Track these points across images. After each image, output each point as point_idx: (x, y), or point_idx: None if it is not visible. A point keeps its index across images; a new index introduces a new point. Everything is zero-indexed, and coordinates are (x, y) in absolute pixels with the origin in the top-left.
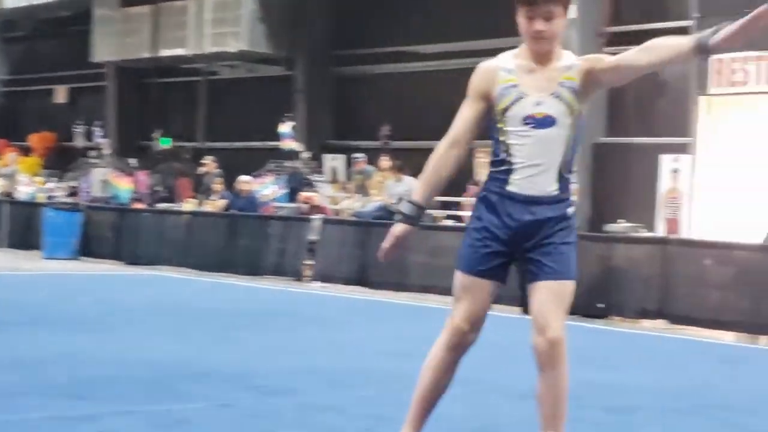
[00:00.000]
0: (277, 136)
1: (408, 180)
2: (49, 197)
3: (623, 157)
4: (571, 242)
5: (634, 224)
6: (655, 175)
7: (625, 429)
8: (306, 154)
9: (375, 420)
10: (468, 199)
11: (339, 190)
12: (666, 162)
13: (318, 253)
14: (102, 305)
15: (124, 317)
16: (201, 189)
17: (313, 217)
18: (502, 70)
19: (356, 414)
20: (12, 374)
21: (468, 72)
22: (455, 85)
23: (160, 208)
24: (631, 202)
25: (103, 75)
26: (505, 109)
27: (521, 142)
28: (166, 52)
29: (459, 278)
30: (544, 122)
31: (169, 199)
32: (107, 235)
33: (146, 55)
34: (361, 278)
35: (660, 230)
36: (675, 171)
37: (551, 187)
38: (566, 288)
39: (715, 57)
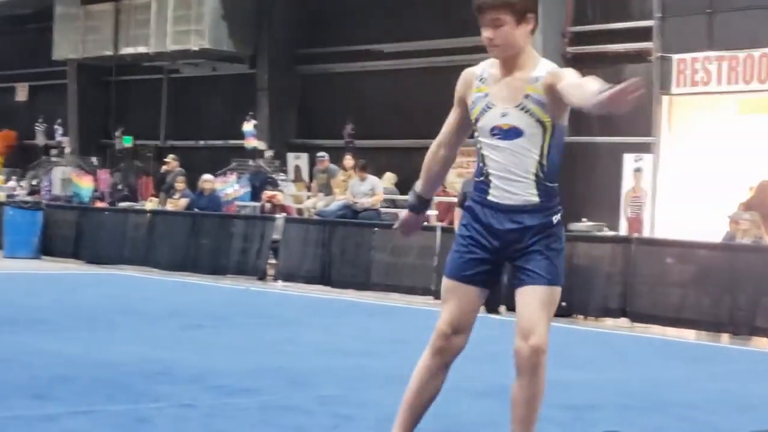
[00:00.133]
0: (240, 135)
1: (371, 179)
2: (10, 196)
3: (587, 156)
4: (556, 249)
5: (596, 223)
6: (619, 174)
7: (587, 427)
8: (269, 153)
9: (339, 419)
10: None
11: (302, 189)
12: (629, 161)
13: (281, 252)
14: (62, 305)
15: (84, 317)
16: (163, 188)
17: (276, 216)
18: (477, 79)
19: (320, 413)
20: None
21: (430, 71)
22: (418, 84)
23: (122, 207)
24: (594, 201)
25: (64, 73)
26: (476, 120)
27: (492, 153)
28: (127, 50)
29: (444, 282)
30: (510, 134)
31: (131, 198)
32: (68, 234)
33: (108, 52)
34: (324, 277)
35: (622, 229)
36: (637, 170)
37: (531, 197)
38: (551, 294)
39: (677, 56)
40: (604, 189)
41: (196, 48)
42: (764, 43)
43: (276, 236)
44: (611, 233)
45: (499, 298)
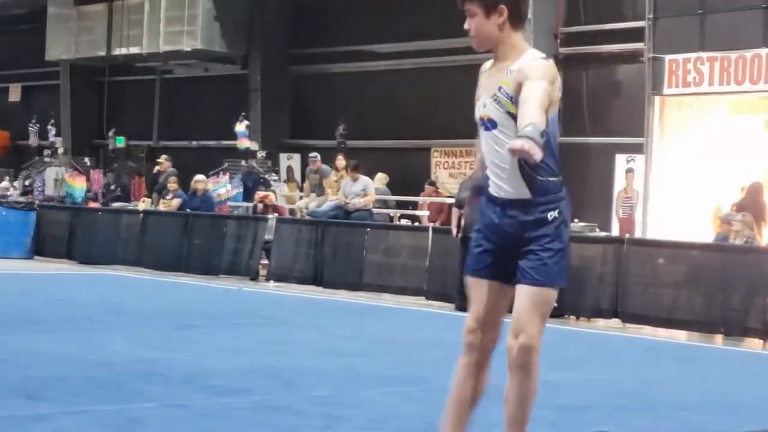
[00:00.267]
0: (232, 135)
1: (363, 179)
2: (3, 196)
3: (579, 157)
4: (552, 249)
5: (588, 224)
6: (611, 175)
7: (578, 427)
8: (261, 154)
9: (331, 420)
10: (424, 199)
11: (294, 190)
12: (620, 162)
13: (273, 252)
14: (55, 305)
15: (77, 317)
16: (156, 188)
17: (268, 216)
18: (481, 71)
19: (312, 414)
20: None
21: (422, 72)
22: (410, 84)
23: (115, 207)
24: (586, 201)
25: (57, 73)
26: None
27: (483, 145)
28: (120, 51)
29: (465, 279)
30: (488, 125)
31: (124, 199)
32: (61, 234)
33: (101, 53)
34: (316, 278)
35: (614, 230)
36: (629, 171)
37: (522, 191)
38: (544, 295)
39: (669, 57)
40: (596, 189)
41: (188, 49)
42: (756, 44)
43: (268, 236)
44: (603, 234)
45: None
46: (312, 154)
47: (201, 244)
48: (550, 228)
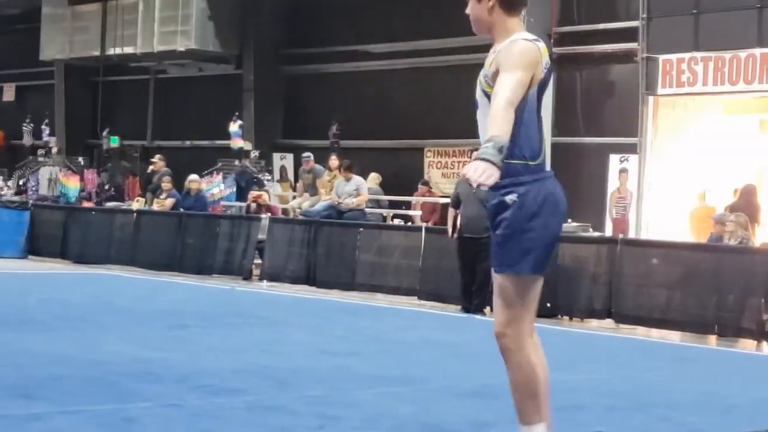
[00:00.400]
0: (226, 135)
1: (356, 179)
2: None
3: (572, 157)
4: (505, 234)
5: (582, 224)
6: (604, 175)
7: (572, 427)
8: (255, 153)
9: (324, 419)
10: (417, 199)
11: (288, 190)
12: (614, 162)
13: (266, 252)
14: (49, 304)
15: (71, 316)
16: (149, 188)
17: (261, 216)
18: None
19: (305, 413)
20: None
21: (415, 72)
22: (403, 84)
23: (109, 206)
24: (579, 202)
25: (51, 73)
26: None
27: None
28: (114, 51)
29: None
30: (475, 105)
31: (118, 198)
32: (55, 233)
33: (95, 53)
34: (309, 277)
35: (608, 230)
36: (623, 171)
37: None
38: (499, 281)
39: (663, 57)
40: (590, 189)
41: (182, 48)
42: (750, 44)
43: (261, 236)
44: (596, 234)
45: (485, 300)
46: (305, 154)
47: (194, 244)
48: (508, 212)
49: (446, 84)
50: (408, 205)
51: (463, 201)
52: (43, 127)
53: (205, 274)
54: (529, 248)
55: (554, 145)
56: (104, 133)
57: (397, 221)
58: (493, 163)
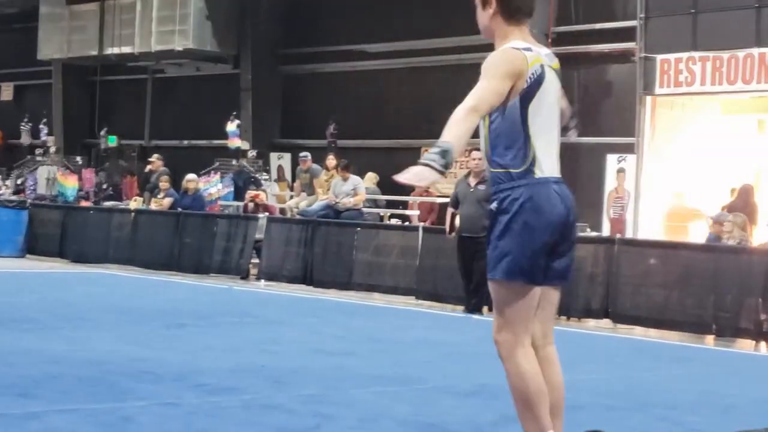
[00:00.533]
0: (223, 135)
1: (354, 179)
2: None
3: (570, 156)
4: (492, 240)
5: (579, 224)
6: (602, 174)
7: (569, 427)
8: (252, 153)
9: (321, 418)
10: (415, 199)
11: (285, 189)
12: (611, 162)
13: (263, 251)
14: (47, 303)
15: (69, 315)
16: (147, 187)
17: (258, 215)
18: None
19: (302, 412)
20: None
21: (412, 71)
22: (400, 84)
23: (106, 206)
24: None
25: (49, 72)
26: None
27: None
28: (112, 50)
29: None
30: None
31: (116, 197)
32: (53, 233)
33: (93, 52)
34: (306, 277)
35: (605, 230)
36: (620, 171)
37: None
38: (492, 287)
39: (660, 57)
40: (587, 189)
41: (180, 48)
42: (748, 43)
43: (259, 236)
44: (594, 234)
45: (483, 300)
46: (302, 154)
47: (192, 243)
48: (494, 219)
49: (443, 84)
50: (405, 205)
51: (461, 201)
52: (41, 126)
53: (203, 274)
54: (505, 254)
55: None
56: (102, 133)
57: (394, 221)
58: (432, 167)
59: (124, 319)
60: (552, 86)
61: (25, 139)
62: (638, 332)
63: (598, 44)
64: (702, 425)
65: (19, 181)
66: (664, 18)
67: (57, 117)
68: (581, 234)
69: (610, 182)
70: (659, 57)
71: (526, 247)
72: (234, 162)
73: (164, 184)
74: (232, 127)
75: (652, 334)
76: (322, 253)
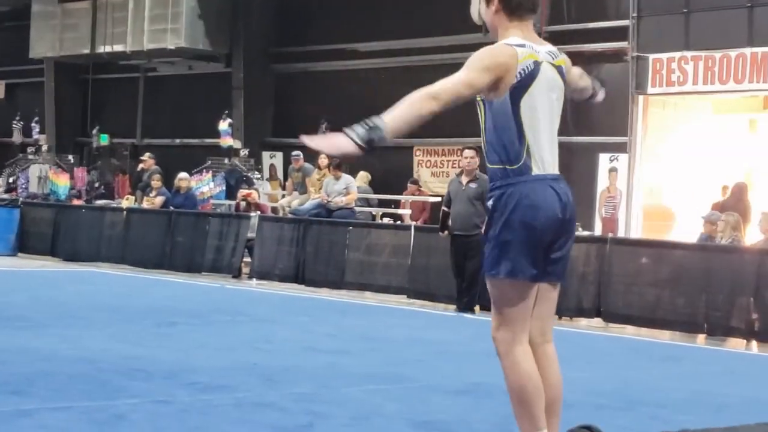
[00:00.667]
0: (215, 133)
1: (346, 178)
2: None
3: (561, 155)
4: (488, 237)
5: None
6: (594, 174)
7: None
8: (244, 152)
9: (313, 416)
10: (407, 198)
11: (277, 188)
12: (604, 161)
13: (255, 250)
14: (39, 302)
15: (61, 314)
16: (139, 186)
17: (250, 214)
18: None
19: (294, 410)
20: None
21: (405, 70)
22: (393, 83)
23: (98, 204)
24: None
25: (41, 71)
26: None
27: None
28: (104, 48)
29: None
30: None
31: (108, 196)
32: (45, 231)
33: (85, 51)
34: (298, 276)
35: (597, 229)
36: (612, 170)
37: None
38: (488, 284)
39: (653, 56)
40: (579, 189)
41: (172, 47)
42: (740, 43)
43: (251, 234)
44: (586, 233)
45: (475, 298)
46: (295, 153)
47: (184, 242)
48: (491, 217)
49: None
50: (397, 204)
51: (453, 199)
52: (32, 124)
53: (195, 272)
54: (502, 252)
55: None
56: (94, 131)
57: (386, 220)
58: (352, 139)
59: (116, 318)
60: (549, 83)
61: (17, 138)
62: (630, 331)
63: (590, 43)
64: (693, 424)
65: (10, 180)
66: (656, 17)
67: (49, 115)
68: None
69: (602, 181)
70: (651, 56)
71: (523, 244)
72: (226, 161)
73: (156, 182)
74: (224, 125)
75: (644, 333)
76: (314, 252)
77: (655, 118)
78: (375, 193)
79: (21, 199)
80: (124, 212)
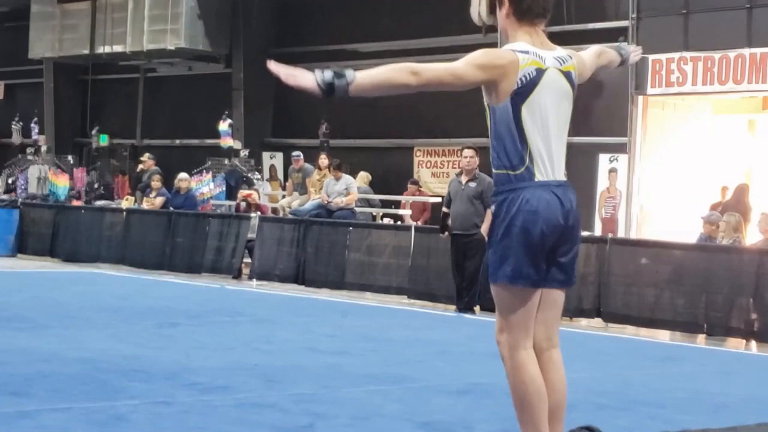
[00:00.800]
0: (215, 134)
1: (346, 178)
2: None
3: None
4: (491, 243)
5: None
6: (594, 174)
7: None
8: (244, 152)
9: (313, 417)
10: (407, 198)
11: (277, 189)
12: (603, 161)
13: (255, 251)
14: (39, 302)
15: (60, 314)
16: (139, 186)
17: (251, 215)
18: None
19: (295, 411)
20: None
21: None
22: None
23: (98, 205)
24: None
25: (40, 71)
26: None
27: None
28: (104, 49)
29: None
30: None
31: (107, 197)
32: (45, 232)
33: (84, 51)
34: (299, 276)
35: (597, 229)
36: (612, 170)
37: None
38: (493, 289)
39: (652, 57)
40: (579, 189)
41: (172, 47)
42: (740, 44)
43: (251, 235)
44: (586, 233)
45: (475, 298)
46: (295, 153)
47: (184, 243)
48: (494, 222)
49: None
50: (397, 205)
51: (453, 199)
52: (32, 125)
53: (195, 273)
54: (504, 258)
55: None
56: (93, 132)
57: (386, 220)
58: (315, 77)
59: (116, 318)
60: (554, 89)
61: (16, 138)
62: (630, 331)
63: (590, 44)
64: (693, 424)
65: (10, 181)
66: (655, 18)
67: (48, 116)
68: None
69: (602, 182)
70: (651, 57)
71: (523, 250)
72: (226, 161)
73: (156, 183)
74: (224, 126)
75: (644, 334)
76: (315, 253)
77: (655, 118)
78: (375, 193)
79: (20, 199)
80: (124, 213)
